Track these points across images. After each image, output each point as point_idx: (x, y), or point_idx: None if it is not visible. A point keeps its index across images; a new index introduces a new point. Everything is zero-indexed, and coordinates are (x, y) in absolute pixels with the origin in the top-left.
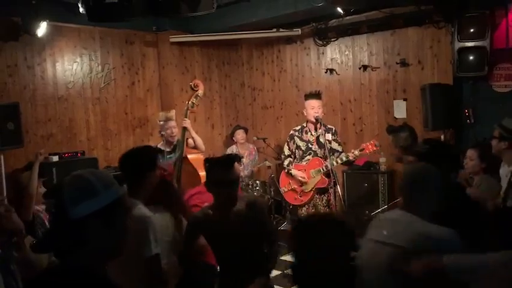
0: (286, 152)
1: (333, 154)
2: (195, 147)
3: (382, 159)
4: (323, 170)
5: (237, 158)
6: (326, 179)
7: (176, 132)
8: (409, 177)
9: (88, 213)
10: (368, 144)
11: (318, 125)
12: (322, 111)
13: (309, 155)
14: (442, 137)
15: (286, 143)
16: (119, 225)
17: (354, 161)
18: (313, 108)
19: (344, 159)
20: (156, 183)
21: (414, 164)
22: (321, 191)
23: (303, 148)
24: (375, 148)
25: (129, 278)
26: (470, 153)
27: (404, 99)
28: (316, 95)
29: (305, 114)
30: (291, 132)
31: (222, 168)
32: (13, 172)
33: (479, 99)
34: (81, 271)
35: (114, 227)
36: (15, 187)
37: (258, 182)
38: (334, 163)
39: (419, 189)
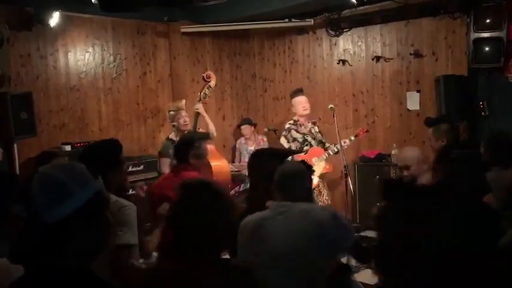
0: (286, 145)
1: (323, 145)
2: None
3: (394, 151)
4: (326, 156)
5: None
6: (331, 164)
7: (188, 120)
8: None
9: (66, 215)
10: (360, 130)
11: (306, 119)
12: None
13: (306, 146)
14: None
15: (283, 137)
16: (101, 220)
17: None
18: (302, 104)
19: (335, 150)
20: (120, 182)
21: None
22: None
23: (300, 140)
24: (364, 134)
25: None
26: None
27: (418, 91)
28: (301, 91)
29: (294, 111)
30: (287, 126)
31: (279, 162)
32: (43, 155)
33: (494, 91)
34: (69, 271)
35: (96, 223)
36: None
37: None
38: (331, 152)
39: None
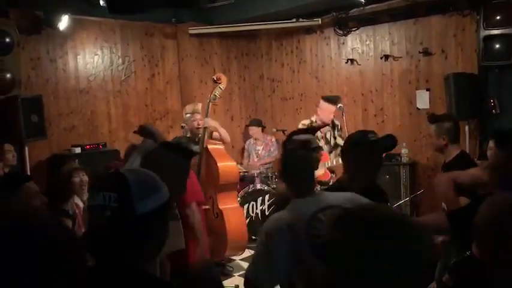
0: None
1: (337, 148)
2: (221, 139)
3: (404, 151)
4: (327, 164)
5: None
6: (329, 173)
7: (202, 124)
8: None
9: (152, 209)
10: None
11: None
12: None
13: None
14: (467, 127)
15: None
16: (167, 224)
17: None
18: (331, 113)
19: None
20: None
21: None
22: (322, 184)
23: None
24: None
25: None
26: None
27: (427, 89)
28: (335, 100)
29: (318, 113)
30: (300, 126)
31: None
32: (53, 158)
33: (505, 88)
34: (138, 272)
35: (167, 225)
36: (56, 176)
37: (277, 173)
38: (340, 160)
39: None
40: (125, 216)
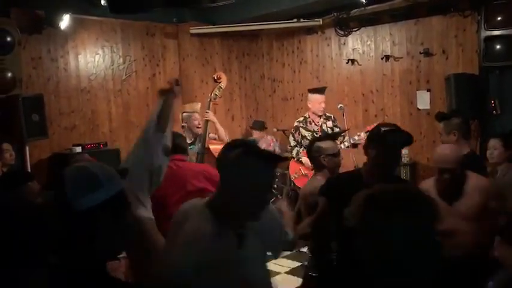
0: (292, 143)
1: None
2: (218, 138)
3: (404, 151)
4: None
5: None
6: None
7: (201, 123)
8: None
9: (93, 205)
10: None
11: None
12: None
13: None
14: None
15: (291, 135)
16: (123, 219)
17: (359, 143)
18: (320, 103)
19: (350, 141)
20: None
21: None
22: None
23: (309, 137)
24: None
25: None
26: (494, 142)
27: (428, 90)
28: (322, 90)
29: (309, 106)
30: (295, 124)
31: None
32: (54, 157)
33: (506, 89)
34: (88, 271)
35: (118, 220)
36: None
37: (277, 173)
38: (342, 146)
39: None
40: (62, 213)
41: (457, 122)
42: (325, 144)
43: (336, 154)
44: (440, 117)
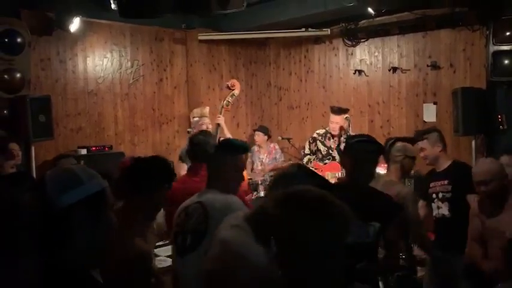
0: (307, 150)
1: None
2: None
3: None
4: (338, 175)
5: None
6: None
7: (211, 128)
8: None
9: (74, 202)
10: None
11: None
12: (343, 124)
13: (328, 159)
14: (473, 143)
15: (307, 143)
16: (104, 218)
17: None
18: (332, 123)
19: None
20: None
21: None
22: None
23: (324, 152)
24: None
25: None
26: (507, 159)
27: (435, 103)
28: (336, 111)
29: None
30: (315, 135)
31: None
32: (59, 159)
33: None
34: (70, 271)
35: (99, 219)
36: None
37: None
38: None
39: None
40: (43, 212)
41: (438, 135)
42: (408, 146)
43: (415, 158)
44: (420, 134)
